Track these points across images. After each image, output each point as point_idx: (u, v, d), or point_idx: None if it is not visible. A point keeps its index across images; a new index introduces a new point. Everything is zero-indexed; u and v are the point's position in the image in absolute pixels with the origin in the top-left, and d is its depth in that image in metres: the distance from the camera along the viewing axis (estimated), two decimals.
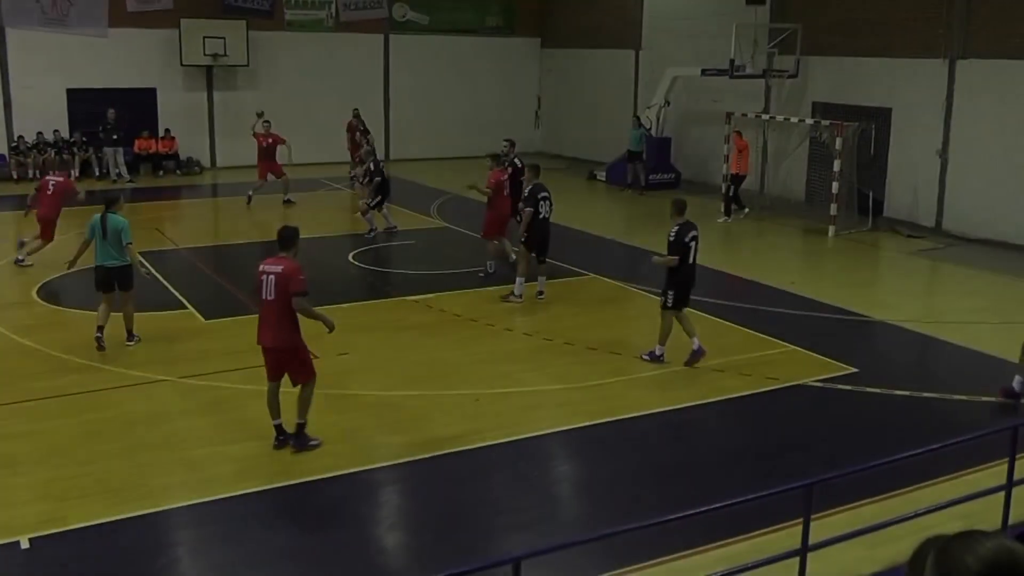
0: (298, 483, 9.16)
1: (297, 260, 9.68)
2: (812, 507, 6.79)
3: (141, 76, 28.16)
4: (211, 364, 12.28)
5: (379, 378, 12.01)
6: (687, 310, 12.77)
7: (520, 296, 15.33)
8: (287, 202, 23.21)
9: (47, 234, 16.97)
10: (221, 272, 17.72)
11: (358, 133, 26.47)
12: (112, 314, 12.92)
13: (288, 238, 9.73)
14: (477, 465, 9.76)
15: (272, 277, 9.53)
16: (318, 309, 10.03)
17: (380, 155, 24.08)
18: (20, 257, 17.08)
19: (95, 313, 13.08)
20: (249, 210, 23.13)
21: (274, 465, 9.49)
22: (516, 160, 18.81)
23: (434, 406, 11.15)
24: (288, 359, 9.71)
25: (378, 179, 20.06)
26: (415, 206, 23.46)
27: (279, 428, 9.89)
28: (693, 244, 12.45)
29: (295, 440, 9.84)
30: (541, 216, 15.28)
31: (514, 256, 16.49)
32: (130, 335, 13.08)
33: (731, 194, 23.03)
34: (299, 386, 9.86)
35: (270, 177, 23.41)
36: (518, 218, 16.44)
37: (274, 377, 9.84)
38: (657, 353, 12.70)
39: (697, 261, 12.69)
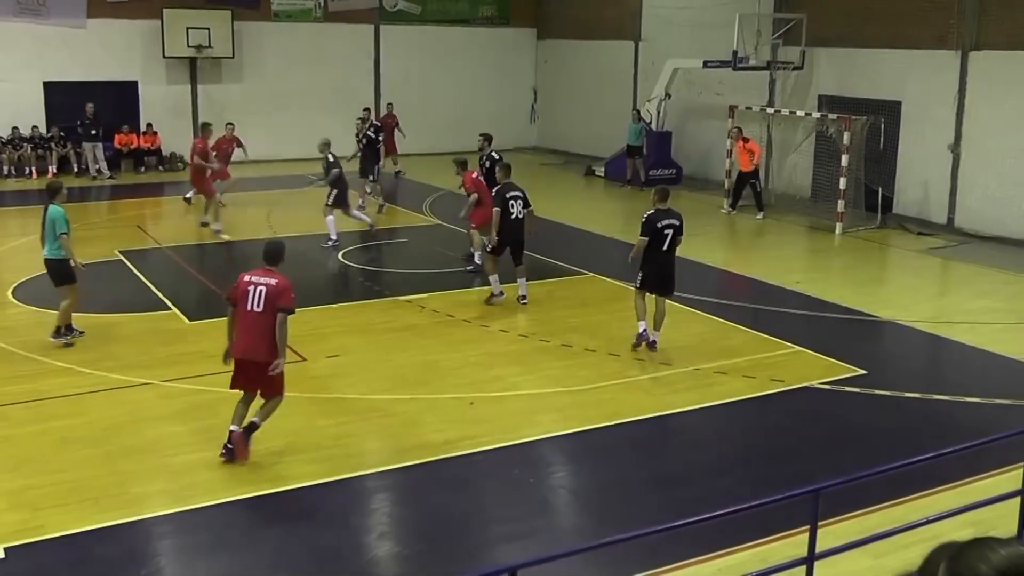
0: (284, 491, 9.14)
1: (289, 280, 9.70)
2: (819, 514, 6.77)
3: (122, 68, 28.11)
4: (195, 367, 12.24)
5: (369, 381, 11.98)
6: (666, 301, 13.30)
7: (501, 294, 15.25)
8: (187, 200, 22.40)
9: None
10: (205, 272, 17.68)
11: (395, 129, 26.93)
12: (92, 316, 12.88)
13: (276, 254, 9.85)
14: (471, 472, 9.73)
15: (263, 289, 9.56)
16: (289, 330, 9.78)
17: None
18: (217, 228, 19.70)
19: (73, 315, 13.06)
20: (226, 208, 23.10)
21: (259, 472, 9.46)
22: (493, 154, 18.82)
23: (426, 410, 11.12)
24: (261, 373, 9.59)
25: (336, 171, 19.16)
26: (407, 203, 23.43)
27: (230, 434, 9.64)
28: (669, 232, 12.85)
29: (235, 439, 9.56)
30: (512, 216, 15.07)
31: (478, 252, 17.21)
32: (58, 331, 12.94)
33: (754, 190, 22.93)
34: (266, 404, 9.79)
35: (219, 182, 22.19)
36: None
37: (242, 388, 9.76)
38: (639, 331, 13.12)
39: (677, 253, 13.16)
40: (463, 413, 11.05)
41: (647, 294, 13.25)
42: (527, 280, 15.46)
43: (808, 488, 6.83)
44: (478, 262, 17.12)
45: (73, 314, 13.19)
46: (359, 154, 22.54)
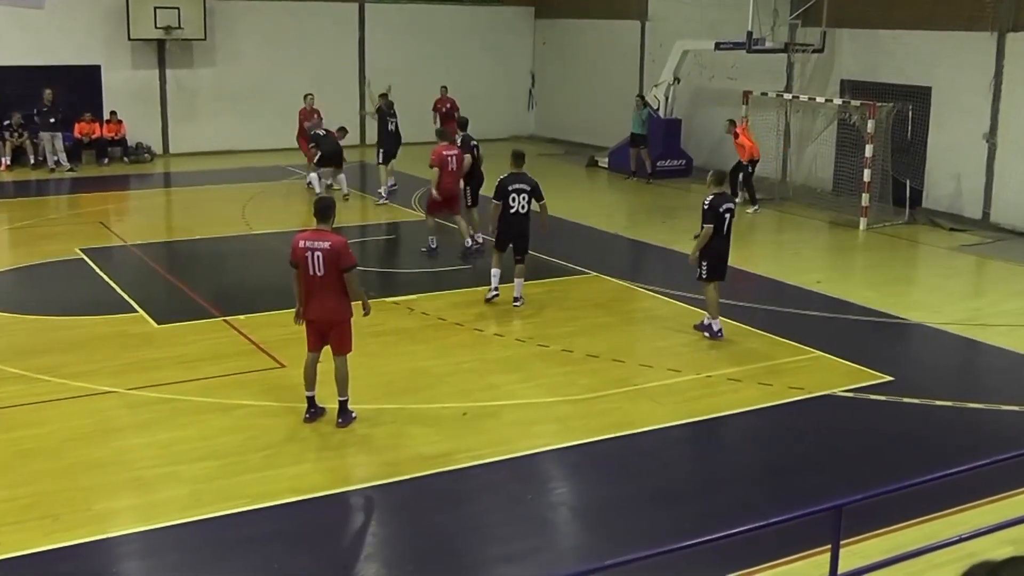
0: (262, 508, 9.13)
1: (343, 236, 10.79)
2: (842, 531, 6.79)
3: (83, 52, 28.08)
4: (163, 374, 12.25)
5: (353, 390, 11.92)
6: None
7: (496, 293, 15.39)
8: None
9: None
10: (175, 271, 17.68)
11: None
12: (50, 318, 12.88)
13: (327, 210, 10.75)
14: (464, 487, 9.74)
15: (320, 254, 10.49)
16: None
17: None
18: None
19: (30, 317, 13.06)
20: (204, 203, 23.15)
21: (234, 488, 9.47)
22: (469, 141, 19.45)
23: (415, 421, 11.13)
24: (334, 330, 10.73)
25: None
26: (394, 196, 23.43)
27: (311, 400, 10.89)
28: (728, 216, 13.64)
29: (341, 416, 10.80)
30: (513, 211, 15.14)
31: (470, 242, 18.38)
32: None
33: (746, 182, 23.09)
34: (336, 365, 10.81)
35: None
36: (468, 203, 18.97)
37: (315, 347, 10.88)
38: (715, 328, 13.83)
39: (728, 237, 13.81)
40: (455, 424, 11.05)
41: (719, 283, 13.90)
42: (524, 280, 15.45)
43: (830, 504, 6.86)
44: (432, 246, 18.31)
45: (28, 317, 13.17)
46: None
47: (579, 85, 32.48)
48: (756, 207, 22.93)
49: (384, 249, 19.79)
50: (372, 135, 25.50)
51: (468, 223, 18.73)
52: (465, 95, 30.67)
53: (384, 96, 23.69)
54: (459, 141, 19.26)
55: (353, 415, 10.92)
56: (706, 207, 13.67)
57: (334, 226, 10.85)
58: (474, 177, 19.39)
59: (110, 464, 9.91)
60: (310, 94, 25.17)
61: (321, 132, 22.60)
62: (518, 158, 15.59)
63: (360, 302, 10.92)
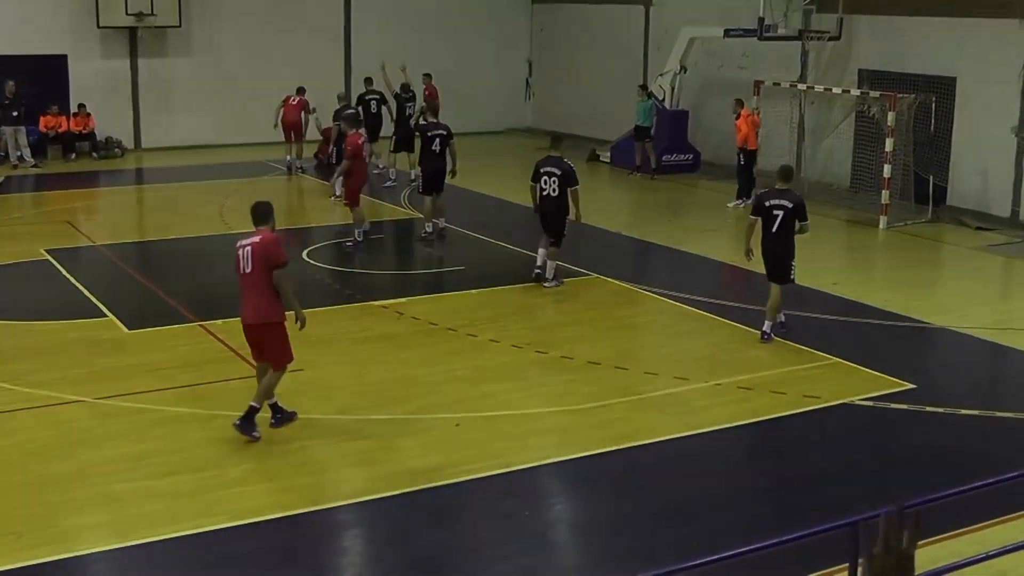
0: (242, 524, 9.13)
1: (276, 233, 10.89)
2: (860, 549, 6.80)
3: (48, 40, 28.02)
4: (135, 382, 12.24)
5: (339, 399, 12.00)
6: (778, 288, 13.97)
7: (548, 278, 16.30)
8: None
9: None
10: (147, 273, 17.68)
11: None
12: (13, 323, 12.88)
13: (261, 212, 10.88)
14: (457, 503, 9.75)
15: (249, 248, 10.61)
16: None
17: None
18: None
19: None
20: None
21: (211, 503, 9.47)
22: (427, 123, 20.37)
23: (405, 433, 11.13)
24: (264, 337, 10.72)
25: None
26: (383, 194, 23.45)
27: (273, 408, 10.97)
28: (779, 213, 13.84)
29: (241, 422, 10.61)
30: (544, 193, 16.15)
31: (431, 227, 19.19)
32: None
33: (739, 172, 23.22)
34: (267, 376, 10.78)
35: None
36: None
37: (256, 357, 10.99)
38: (765, 329, 14.04)
39: (780, 235, 13.90)
40: (448, 436, 11.05)
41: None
42: (554, 262, 16.34)
43: (847, 520, 6.86)
44: (359, 239, 18.69)
45: None
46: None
47: (579, 74, 32.47)
48: (740, 201, 22.92)
49: (370, 249, 19.78)
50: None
51: (433, 208, 19.37)
52: (458, 84, 30.72)
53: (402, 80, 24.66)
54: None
55: (256, 433, 10.66)
56: (752, 201, 14.32)
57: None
58: (439, 164, 19.65)
59: (78, 478, 9.90)
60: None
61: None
62: (556, 140, 16.92)
63: (293, 311, 10.80)
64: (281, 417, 11.04)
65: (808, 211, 14.21)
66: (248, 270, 10.60)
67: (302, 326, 10.81)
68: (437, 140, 19.10)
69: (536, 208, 16.48)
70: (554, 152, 16.54)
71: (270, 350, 10.76)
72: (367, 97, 24.89)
